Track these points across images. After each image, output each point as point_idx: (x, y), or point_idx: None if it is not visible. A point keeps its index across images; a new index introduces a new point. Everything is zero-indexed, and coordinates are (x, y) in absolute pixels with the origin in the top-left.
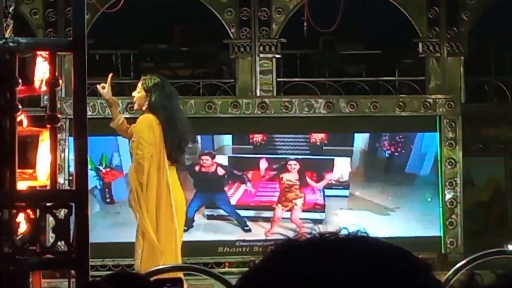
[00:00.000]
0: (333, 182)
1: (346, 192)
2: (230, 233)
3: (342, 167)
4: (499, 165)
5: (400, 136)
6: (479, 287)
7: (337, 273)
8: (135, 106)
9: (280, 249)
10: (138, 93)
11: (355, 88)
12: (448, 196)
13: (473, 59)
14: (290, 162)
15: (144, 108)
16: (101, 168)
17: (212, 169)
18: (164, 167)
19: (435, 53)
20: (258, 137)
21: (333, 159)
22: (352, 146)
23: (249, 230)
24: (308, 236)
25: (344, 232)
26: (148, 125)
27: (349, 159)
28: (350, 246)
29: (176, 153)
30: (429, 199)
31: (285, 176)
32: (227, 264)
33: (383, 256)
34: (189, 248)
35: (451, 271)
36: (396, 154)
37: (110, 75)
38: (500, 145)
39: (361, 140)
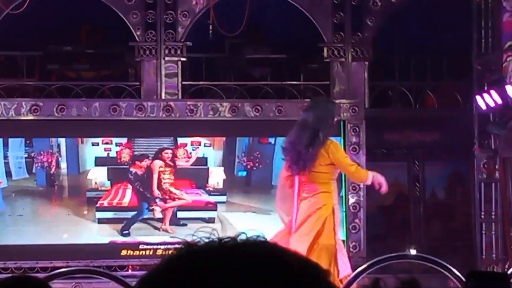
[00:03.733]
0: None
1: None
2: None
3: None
4: (402, 169)
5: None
6: None
7: (235, 279)
8: None
9: (178, 255)
10: None
11: (260, 92)
12: (352, 200)
13: (377, 64)
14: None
15: None
16: None
17: None
18: None
19: (340, 58)
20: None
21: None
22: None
23: (128, 235)
24: (207, 240)
25: (242, 237)
26: None
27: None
28: (249, 252)
29: None
30: None
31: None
32: (130, 267)
33: (284, 262)
34: (91, 251)
35: (352, 275)
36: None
37: None
38: (403, 150)
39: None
